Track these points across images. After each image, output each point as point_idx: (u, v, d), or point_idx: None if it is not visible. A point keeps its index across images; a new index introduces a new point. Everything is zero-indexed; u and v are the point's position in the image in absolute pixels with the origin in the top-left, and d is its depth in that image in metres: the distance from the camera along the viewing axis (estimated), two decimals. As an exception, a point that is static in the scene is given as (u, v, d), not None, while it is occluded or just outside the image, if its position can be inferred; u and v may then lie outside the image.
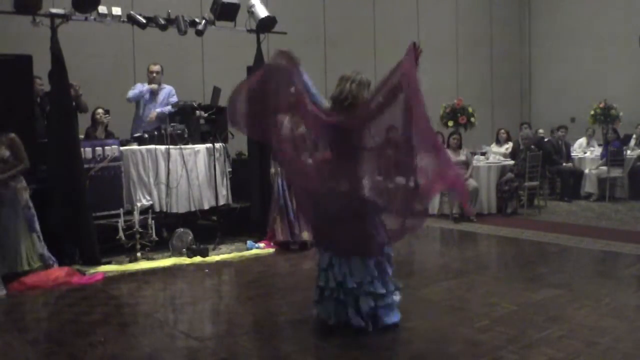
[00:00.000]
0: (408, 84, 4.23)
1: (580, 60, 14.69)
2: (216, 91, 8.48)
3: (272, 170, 7.64)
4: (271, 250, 7.44)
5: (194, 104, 8.13)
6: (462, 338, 4.29)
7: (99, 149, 7.12)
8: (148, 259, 6.92)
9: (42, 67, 6.93)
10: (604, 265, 6.83)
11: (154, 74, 8.38)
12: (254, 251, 7.35)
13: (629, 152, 11.60)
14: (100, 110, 8.21)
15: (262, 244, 7.54)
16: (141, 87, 8.37)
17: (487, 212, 9.91)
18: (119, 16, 7.16)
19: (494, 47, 15.69)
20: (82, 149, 6.87)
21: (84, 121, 7.92)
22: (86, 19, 6.96)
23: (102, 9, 6.90)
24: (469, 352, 4.03)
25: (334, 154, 4.48)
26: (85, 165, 6.88)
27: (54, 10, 6.68)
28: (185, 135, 7.76)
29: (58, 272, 6.10)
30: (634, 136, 12.08)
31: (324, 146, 4.56)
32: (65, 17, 6.73)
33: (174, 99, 8.44)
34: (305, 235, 7.44)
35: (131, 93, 8.32)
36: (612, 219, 9.44)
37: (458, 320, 4.68)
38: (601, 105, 12.50)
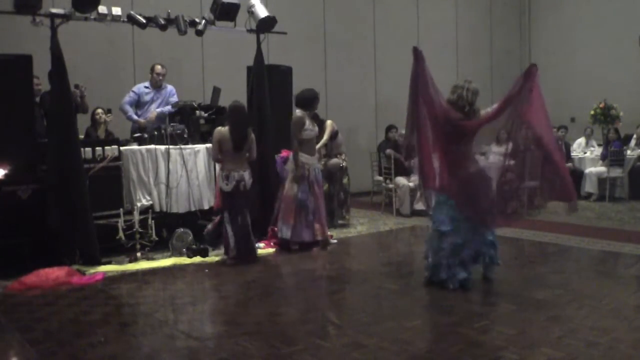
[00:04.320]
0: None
1: (580, 60, 14.67)
2: (216, 91, 8.49)
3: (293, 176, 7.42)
4: (271, 250, 7.44)
5: (194, 104, 8.13)
6: (462, 338, 4.29)
7: (99, 149, 7.12)
8: (148, 259, 6.92)
9: (42, 67, 6.93)
10: (604, 265, 6.83)
11: (160, 76, 8.39)
12: (254, 251, 7.35)
13: (629, 152, 11.59)
14: (99, 110, 8.21)
15: (262, 244, 7.53)
16: (137, 91, 8.39)
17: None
18: (119, 16, 7.14)
19: (493, 47, 15.69)
20: (82, 149, 6.87)
21: (83, 121, 7.92)
22: (86, 19, 6.94)
23: (102, 9, 6.89)
24: (469, 352, 4.03)
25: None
26: (85, 165, 6.87)
27: (54, 10, 6.67)
28: (185, 135, 7.77)
29: (58, 272, 6.09)
30: (635, 136, 12.07)
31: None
32: (65, 17, 6.72)
33: (174, 98, 8.44)
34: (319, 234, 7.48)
35: (127, 99, 8.35)
36: (612, 219, 9.44)
37: (458, 320, 4.68)
38: (601, 106, 12.48)
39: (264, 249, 7.44)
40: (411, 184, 9.94)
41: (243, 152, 6.94)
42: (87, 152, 6.98)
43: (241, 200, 6.91)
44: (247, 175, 6.92)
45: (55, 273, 6.07)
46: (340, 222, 9.10)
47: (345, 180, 9.23)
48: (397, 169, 10.20)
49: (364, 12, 13.17)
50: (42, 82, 7.43)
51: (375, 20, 13.34)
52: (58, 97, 6.70)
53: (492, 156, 10.88)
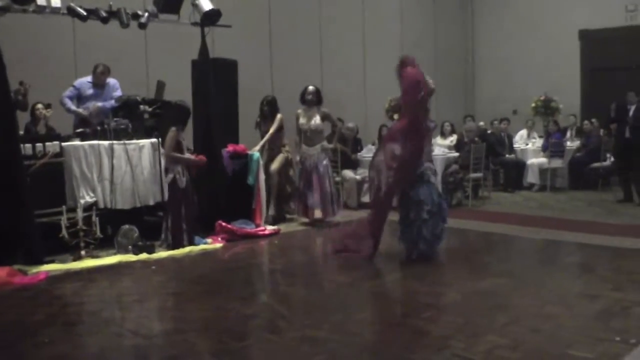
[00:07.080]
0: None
1: (522, 54, 14.96)
2: (160, 85, 8.36)
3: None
4: (218, 245, 7.39)
5: (138, 98, 7.98)
6: (410, 328, 4.35)
7: (39, 145, 6.93)
8: (93, 257, 6.77)
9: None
10: (547, 253, 7.00)
11: (103, 76, 8.20)
12: (202, 247, 7.27)
13: (568, 143, 11.93)
14: (40, 105, 7.98)
15: (209, 240, 7.48)
16: (78, 86, 8.19)
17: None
18: (59, 8, 6.96)
19: (437, 42, 15.87)
20: (21, 145, 6.67)
21: (23, 117, 7.70)
22: (24, 11, 6.74)
23: (40, 0, 6.70)
24: (417, 342, 4.09)
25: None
26: (26, 162, 6.68)
27: (-10, 3, 6.47)
28: (129, 130, 7.62)
29: (-1, 273, 5.93)
30: (570, 127, 12.48)
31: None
32: (2, 10, 6.51)
33: (118, 92, 8.27)
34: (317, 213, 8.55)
35: (67, 93, 8.15)
36: (554, 208, 9.70)
37: (406, 310, 4.74)
38: (542, 98, 12.82)
39: (211, 244, 7.39)
40: (358, 177, 10.00)
41: None
42: (27, 148, 6.78)
43: None
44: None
45: (-5, 274, 5.89)
46: (287, 215, 9.10)
47: (291, 173, 9.19)
48: (344, 162, 10.26)
49: (309, 6, 13.14)
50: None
51: (321, 14, 13.34)
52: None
53: (437, 148, 11.08)
